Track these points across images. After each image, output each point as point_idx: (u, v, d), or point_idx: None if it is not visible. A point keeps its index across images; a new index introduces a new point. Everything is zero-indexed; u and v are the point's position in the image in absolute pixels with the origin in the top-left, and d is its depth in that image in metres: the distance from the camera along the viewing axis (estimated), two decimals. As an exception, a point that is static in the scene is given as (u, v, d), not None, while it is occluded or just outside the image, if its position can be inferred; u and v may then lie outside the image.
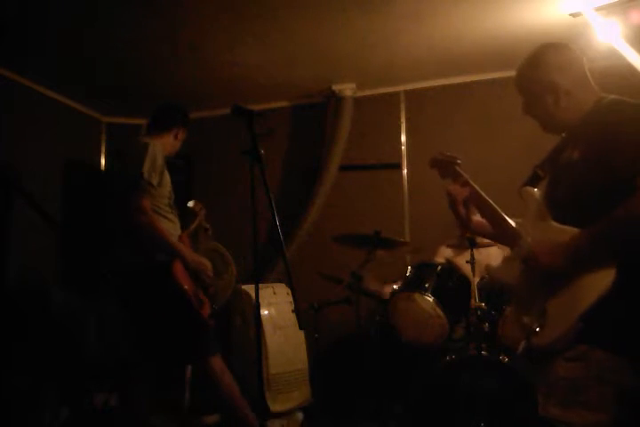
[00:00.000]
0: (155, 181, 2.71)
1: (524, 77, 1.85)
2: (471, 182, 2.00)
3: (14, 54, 3.85)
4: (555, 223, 1.69)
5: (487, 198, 1.97)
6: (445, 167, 2.14)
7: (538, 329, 1.63)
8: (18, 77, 4.18)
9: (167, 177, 2.85)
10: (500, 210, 1.93)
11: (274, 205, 2.12)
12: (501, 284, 2.19)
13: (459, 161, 2.11)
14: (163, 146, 2.89)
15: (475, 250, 3.09)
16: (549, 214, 1.73)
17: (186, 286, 2.67)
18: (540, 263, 1.65)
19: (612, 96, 1.73)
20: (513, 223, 1.86)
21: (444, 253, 3.72)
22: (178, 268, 2.68)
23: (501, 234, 1.91)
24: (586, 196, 1.62)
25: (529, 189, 1.85)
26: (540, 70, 1.80)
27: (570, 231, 1.61)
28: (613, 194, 1.52)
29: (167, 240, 2.67)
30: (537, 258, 1.66)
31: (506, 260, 1.90)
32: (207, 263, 2.82)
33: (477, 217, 2.04)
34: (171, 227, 2.80)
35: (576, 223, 1.61)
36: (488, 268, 1.97)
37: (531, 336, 1.66)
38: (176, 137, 3.03)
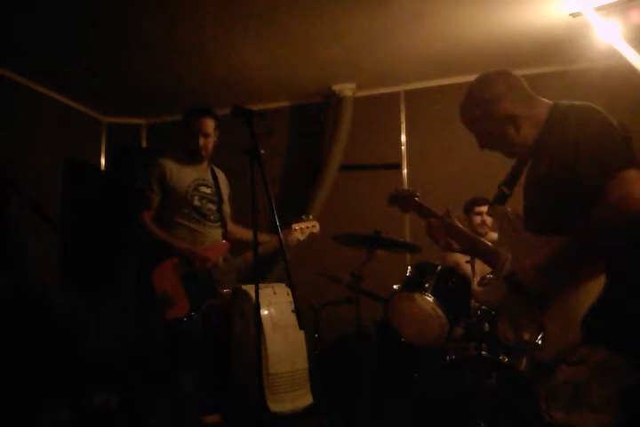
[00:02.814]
0: (151, 193, 2.98)
1: (477, 119, 1.82)
2: (437, 213, 2.02)
3: (14, 54, 3.85)
4: (532, 236, 1.70)
5: (457, 225, 2.00)
6: (405, 202, 2.17)
7: (540, 343, 1.63)
8: (18, 77, 4.18)
9: (179, 186, 3.01)
10: (472, 234, 1.95)
11: (274, 204, 2.12)
12: (491, 306, 2.20)
13: (418, 194, 2.14)
14: (175, 154, 3.09)
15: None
16: (529, 228, 1.74)
17: (157, 285, 2.84)
18: (525, 287, 1.65)
19: (562, 102, 1.72)
20: (488, 244, 1.87)
21: (454, 257, 3.70)
22: (163, 267, 2.89)
23: (479, 255, 1.93)
24: (559, 207, 1.63)
25: (498, 207, 1.87)
26: (490, 106, 1.77)
27: (548, 241, 1.62)
28: (584, 201, 1.53)
29: (158, 236, 2.94)
30: (521, 282, 1.65)
31: (489, 281, 1.91)
32: (196, 251, 2.92)
33: None
34: (185, 234, 2.99)
35: (551, 232, 1.62)
36: (474, 293, 1.99)
37: (534, 351, 1.66)
38: (188, 138, 3.07)
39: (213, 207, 3.11)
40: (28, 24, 3.43)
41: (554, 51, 3.86)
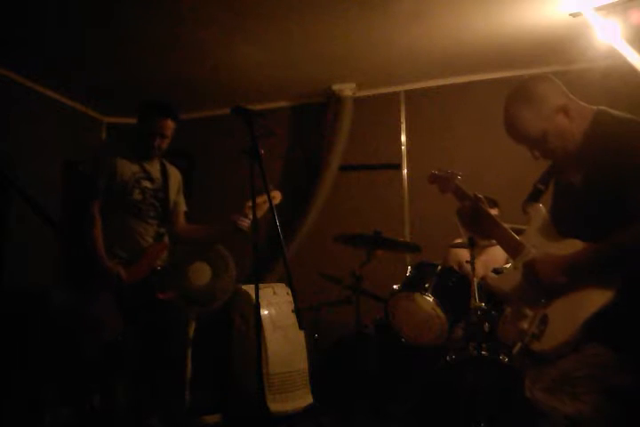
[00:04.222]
0: (100, 182, 2.84)
1: (530, 121, 1.76)
2: (472, 196, 2.03)
3: (14, 54, 3.85)
4: (560, 237, 1.74)
5: (488, 211, 2.01)
6: (445, 183, 2.17)
7: (538, 335, 1.65)
8: (18, 77, 4.18)
9: (121, 178, 2.87)
10: (500, 222, 1.97)
11: (273, 205, 2.12)
12: (501, 293, 2.23)
13: (459, 176, 2.15)
14: (123, 146, 3.01)
15: (485, 249, 3.10)
16: (555, 229, 1.77)
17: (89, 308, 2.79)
18: (540, 280, 1.68)
19: (606, 111, 1.72)
20: (515, 235, 1.89)
21: (457, 256, 3.71)
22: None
23: (503, 244, 1.94)
24: (591, 216, 1.65)
25: (534, 204, 1.89)
26: (541, 103, 1.74)
27: (575, 245, 1.64)
28: (618, 216, 1.55)
29: (92, 238, 2.81)
30: (538, 275, 1.69)
31: (507, 270, 1.94)
32: (116, 269, 2.77)
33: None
34: (121, 230, 2.87)
35: (582, 238, 1.65)
36: (487, 277, 2.02)
37: (530, 342, 1.69)
38: (143, 135, 2.97)
39: (156, 203, 2.97)
40: (28, 24, 3.43)
41: (554, 51, 3.86)
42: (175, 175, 3.15)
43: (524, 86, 1.80)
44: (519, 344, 1.74)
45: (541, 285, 1.68)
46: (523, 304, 1.77)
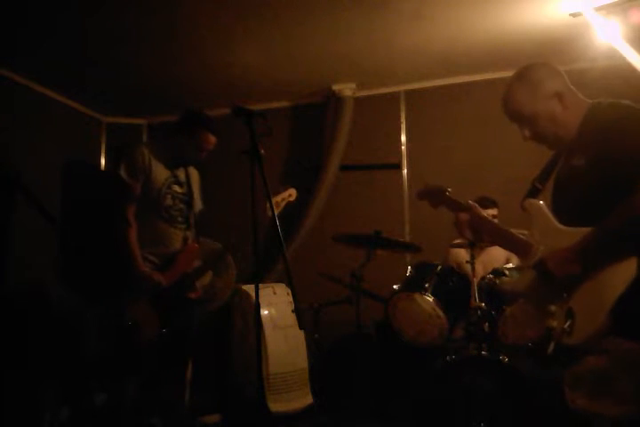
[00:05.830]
0: (137, 185, 2.81)
1: (524, 104, 1.84)
2: (467, 205, 2.03)
3: (14, 54, 3.85)
4: (565, 227, 1.74)
5: (486, 217, 2.01)
6: (435, 197, 2.18)
7: (568, 330, 1.65)
8: (18, 77, 4.18)
9: (155, 181, 2.86)
10: (501, 226, 1.97)
11: (273, 204, 2.12)
12: (516, 295, 2.23)
13: (449, 189, 2.15)
14: (154, 147, 2.95)
15: (484, 249, 3.10)
16: (558, 221, 1.78)
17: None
18: (553, 274, 1.69)
19: (604, 100, 1.78)
20: (520, 235, 1.90)
21: (457, 256, 3.71)
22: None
23: (510, 246, 1.96)
24: (595, 199, 1.66)
25: (532, 201, 1.91)
26: (538, 86, 1.83)
27: (581, 233, 1.65)
28: (621, 194, 1.56)
29: (129, 243, 2.77)
30: (551, 272, 1.69)
31: (513, 272, 1.95)
32: (154, 275, 2.77)
33: None
34: (151, 235, 2.85)
35: (587, 223, 1.66)
36: (501, 282, 2.03)
37: (562, 337, 1.68)
38: (186, 146, 2.97)
39: (184, 208, 2.99)
40: (28, 24, 3.43)
41: (554, 51, 3.86)
42: (195, 176, 3.17)
43: (526, 68, 1.89)
44: (552, 343, 1.72)
45: (557, 280, 1.68)
46: (543, 302, 1.76)
